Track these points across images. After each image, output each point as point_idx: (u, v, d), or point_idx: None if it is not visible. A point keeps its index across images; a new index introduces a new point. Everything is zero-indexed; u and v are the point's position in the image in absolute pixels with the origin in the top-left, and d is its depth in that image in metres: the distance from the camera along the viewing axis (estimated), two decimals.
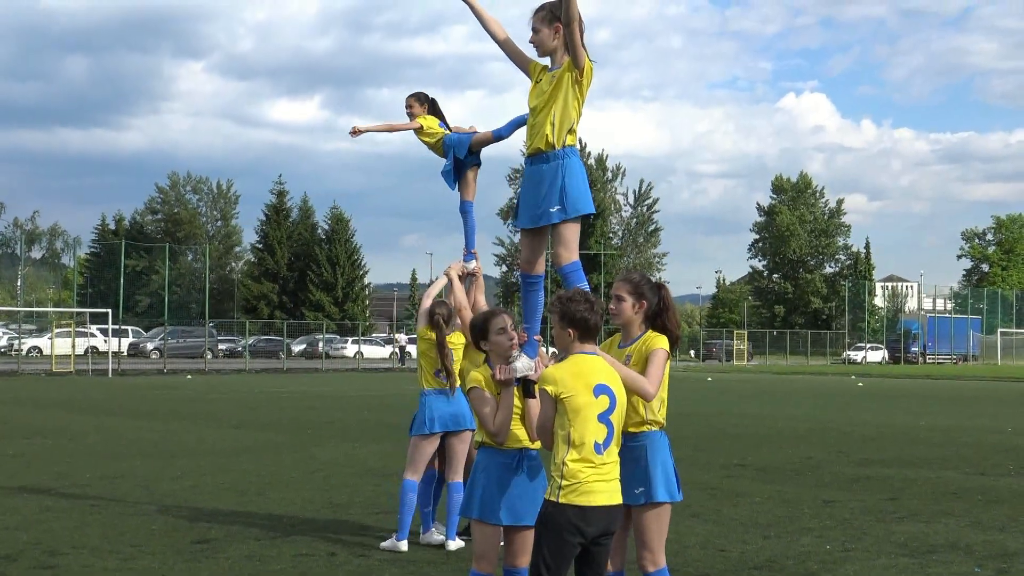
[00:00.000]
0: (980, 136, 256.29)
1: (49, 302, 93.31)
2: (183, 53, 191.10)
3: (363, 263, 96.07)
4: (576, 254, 6.22)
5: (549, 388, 5.21)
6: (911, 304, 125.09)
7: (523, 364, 5.78)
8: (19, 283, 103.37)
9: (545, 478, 5.83)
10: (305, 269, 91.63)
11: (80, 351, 53.65)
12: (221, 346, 69.86)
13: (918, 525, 10.28)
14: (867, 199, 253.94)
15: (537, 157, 6.27)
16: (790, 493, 12.29)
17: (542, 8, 6.33)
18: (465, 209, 8.96)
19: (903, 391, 40.30)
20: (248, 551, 8.80)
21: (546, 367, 5.58)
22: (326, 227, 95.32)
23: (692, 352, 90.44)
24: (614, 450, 5.27)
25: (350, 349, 72.94)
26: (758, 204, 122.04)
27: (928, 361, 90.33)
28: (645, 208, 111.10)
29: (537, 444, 5.82)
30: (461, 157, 8.80)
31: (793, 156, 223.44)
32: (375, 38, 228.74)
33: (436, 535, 9.19)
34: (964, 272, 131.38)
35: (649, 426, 5.86)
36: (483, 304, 8.41)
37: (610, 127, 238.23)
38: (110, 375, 47.23)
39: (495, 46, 6.65)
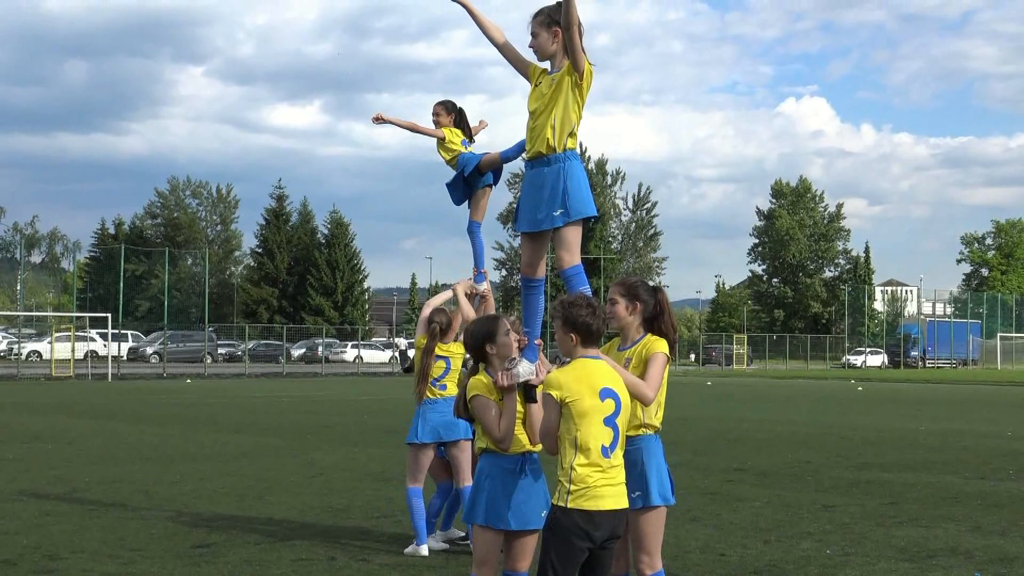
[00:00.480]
0: (980, 141, 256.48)
1: (49, 306, 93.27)
2: (183, 58, 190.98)
3: (363, 267, 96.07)
4: (578, 257, 6.21)
5: (554, 393, 5.20)
6: (911, 308, 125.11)
7: (525, 369, 5.76)
8: (19, 287, 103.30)
9: (545, 481, 5.83)
10: (305, 273, 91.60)
11: (80, 355, 53.64)
12: (221, 350, 69.78)
13: (918, 529, 10.27)
14: (867, 203, 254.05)
15: (538, 161, 6.27)
16: (790, 497, 12.29)
17: (540, 12, 6.35)
18: (472, 229, 8.79)
19: (903, 395, 40.30)
20: (248, 555, 8.80)
21: (548, 371, 5.58)
22: (326, 231, 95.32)
23: (692, 356, 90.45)
24: (619, 453, 5.28)
25: (350, 353, 72.92)
26: (758, 208, 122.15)
27: (928, 365, 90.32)
28: (644, 212, 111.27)
29: (538, 447, 5.81)
30: (466, 175, 8.64)
31: (793, 160, 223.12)
32: (375, 43, 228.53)
33: (434, 542, 9.17)
34: (964, 276, 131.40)
35: (645, 430, 5.88)
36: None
37: (610, 132, 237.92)
38: (110, 379, 47.22)
39: (495, 51, 6.66)
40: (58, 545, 9.14)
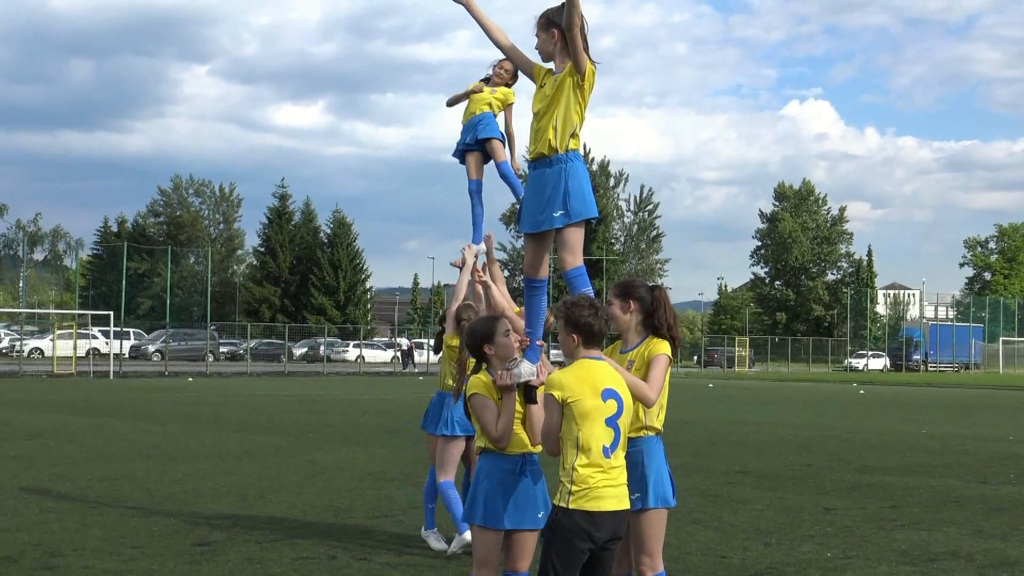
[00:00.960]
0: (983, 145, 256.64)
1: (51, 304, 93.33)
2: (188, 57, 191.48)
3: (365, 267, 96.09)
4: (580, 258, 6.21)
5: (556, 393, 5.20)
6: (913, 312, 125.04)
7: (525, 369, 5.76)
8: (21, 285, 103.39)
9: (545, 482, 5.83)
10: (307, 273, 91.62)
11: (82, 353, 53.69)
12: (222, 349, 69.79)
13: (919, 533, 10.27)
14: (870, 207, 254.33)
15: (540, 162, 6.27)
16: (791, 500, 12.29)
17: (542, 15, 6.37)
18: (470, 189, 8.99)
19: (904, 399, 40.28)
20: (249, 554, 8.80)
21: (549, 373, 5.58)
22: (328, 231, 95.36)
23: (694, 359, 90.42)
24: (621, 454, 5.28)
25: (351, 353, 72.94)
26: (760, 211, 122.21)
27: (930, 369, 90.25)
28: (647, 214, 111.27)
29: (538, 448, 5.81)
30: (467, 140, 8.80)
31: (796, 163, 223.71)
32: (379, 43, 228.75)
33: (436, 540, 9.17)
34: (966, 280, 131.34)
35: (646, 432, 5.88)
36: (503, 293, 8.06)
37: (613, 134, 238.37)
38: (111, 377, 47.24)
39: (499, 52, 6.68)
40: (59, 542, 9.14)
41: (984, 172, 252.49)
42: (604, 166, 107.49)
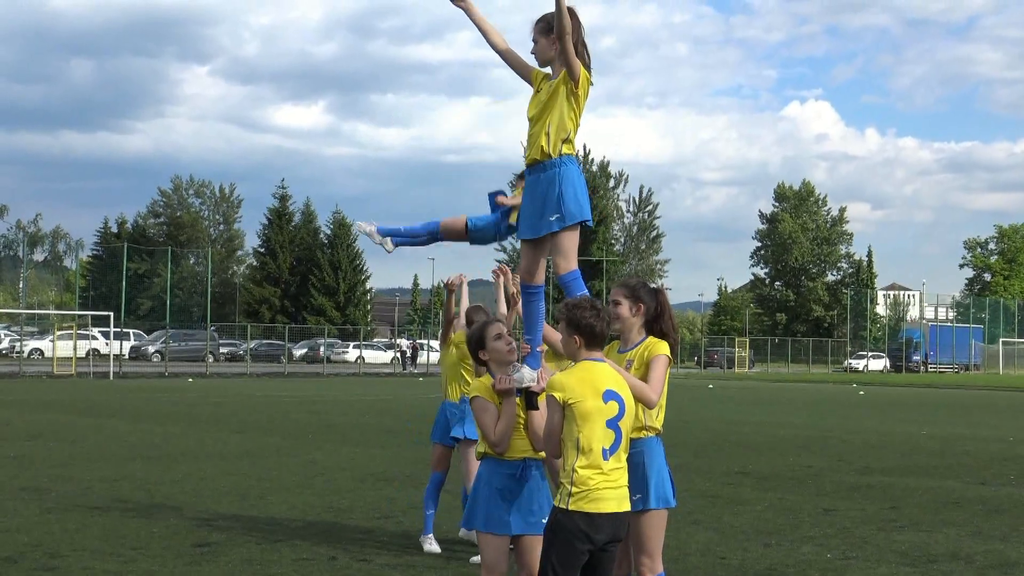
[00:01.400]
0: (984, 146, 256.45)
1: (51, 304, 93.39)
2: (188, 57, 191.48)
3: (365, 268, 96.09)
4: (575, 263, 6.19)
5: (557, 395, 5.21)
6: (913, 313, 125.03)
7: (525, 375, 5.75)
8: (21, 285, 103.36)
9: (548, 487, 5.82)
10: (307, 273, 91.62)
11: (82, 354, 53.69)
12: (222, 350, 69.79)
13: (919, 534, 10.27)
14: (870, 207, 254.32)
15: (535, 167, 6.27)
16: (791, 501, 12.29)
17: (541, 19, 6.35)
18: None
19: (904, 400, 40.29)
20: (248, 555, 8.81)
21: (549, 378, 5.57)
22: (328, 231, 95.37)
23: (694, 359, 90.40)
24: (622, 456, 5.28)
25: (352, 354, 72.96)
26: (760, 212, 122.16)
27: (930, 370, 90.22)
28: (647, 215, 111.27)
29: (540, 455, 5.81)
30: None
31: (797, 164, 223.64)
32: (380, 43, 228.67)
33: (434, 544, 9.17)
34: (966, 281, 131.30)
35: (647, 432, 5.88)
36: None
37: (614, 134, 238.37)
38: (111, 378, 47.24)
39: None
40: (59, 543, 9.15)
41: (984, 173, 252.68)
42: (604, 167, 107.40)
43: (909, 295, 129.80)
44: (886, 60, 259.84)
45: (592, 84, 6.32)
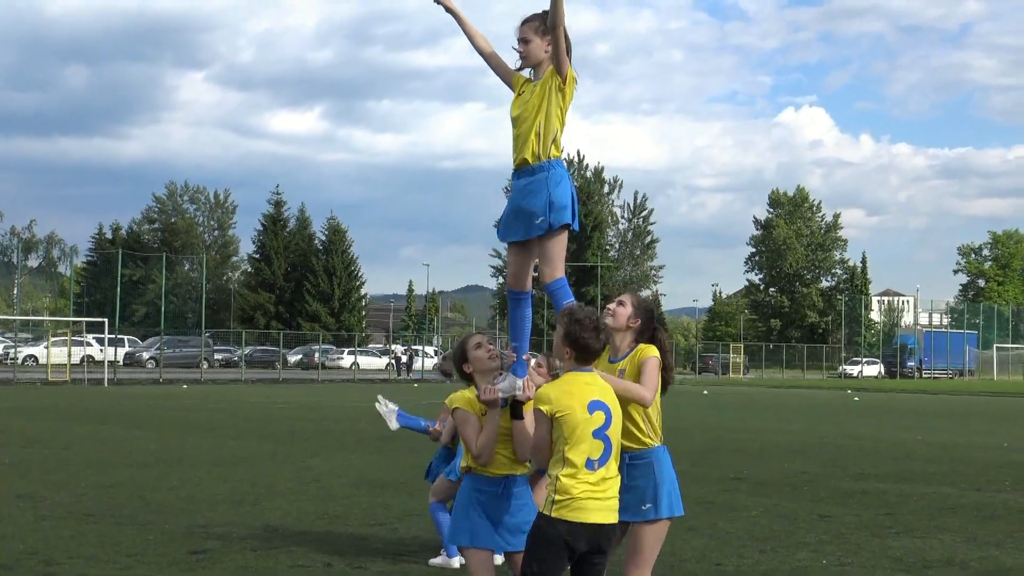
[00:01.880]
0: (978, 152, 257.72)
1: (45, 311, 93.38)
2: (184, 63, 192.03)
3: (360, 274, 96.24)
4: (561, 271, 6.13)
5: (544, 407, 5.20)
6: (907, 319, 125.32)
7: (508, 384, 5.70)
8: (16, 291, 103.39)
9: (533, 501, 5.80)
10: (302, 279, 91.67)
11: (76, 360, 53.57)
12: (217, 356, 69.77)
13: (914, 540, 10.28)
14: (865, 213, 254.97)
15: (523, 170, 6.18)
16: (786, 507, 12.30)
17: (535, 18, 6.25)
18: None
19: (899, 406, 40.32)
20: (244, 561, 8.80)
21: (537, 386, 5.55)
22: (323, 238, 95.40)
23: (689, 365, 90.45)
24: (613, 466, 5.26)
25: (346, 360, 72.91)
26: (755, 218, 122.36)
27: (924, 376, 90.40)
28: (641, 220, 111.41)
29: (524, 469, 5.79)
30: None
31: (791, 170, 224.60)
32: (376, 50, 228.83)
33: (456, 560, 9.08)
34: (960, 287, 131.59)
35: (652, 441, 5.88)
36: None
37: (609, 140, 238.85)
38: (106, 384, 47.14)
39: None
40: (54, 550, 9.13)
41: (978, 179, 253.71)
42: (599, 172, 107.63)
43: (903, 301, 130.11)
44: (880, 67, 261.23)
45: (577, 83, 6.28)
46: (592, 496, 5.14)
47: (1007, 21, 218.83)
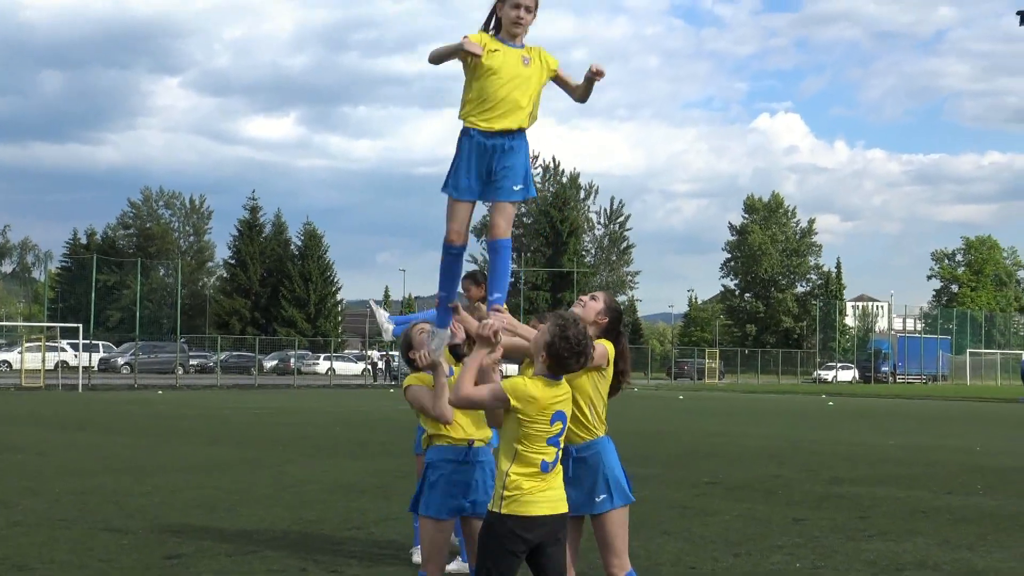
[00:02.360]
0: (952, 158, 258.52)
1: (19, 316, 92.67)
2: (160, 69, 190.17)
3: (336, 279, 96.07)
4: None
5: (513, 402, 5.21)
6: (881, 324, 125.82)
7: (438, 341, 5.90)
8: None
9: (495, 472, 5.86)
10: (278, 285, 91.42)
11: (50, 366, 53.30)
12: (192, 361, 69.56)
13: (887, 543, 10.34)
14: (839, 219, 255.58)
15: (514, 134, 6.03)
16: (761, 511, 12.34)
17: None
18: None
19: (873, 410, 40.50)
20: (219, 567, 8.78)
21: (479, 324, 5.53)
22: (299, 243, 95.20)
23: (664, 370, 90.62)
24: (559, 465, 5.34)
25: (322, 365, 72.78)
26: (730, 223, 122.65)
27: (898, 381, 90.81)
28: (618, 226, 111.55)
29: (486, 433, 6.00)
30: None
31: (767, 176, 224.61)
32: (352, 56, 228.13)
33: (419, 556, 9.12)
34: (934, 292, 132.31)
35: (598, 431, 5.96)
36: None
37: (585, 146, 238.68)
38: (80, 390, 46.92)
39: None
40: (28, 556, 9.09)
41: (952, 185, 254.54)
42: (574, 178, 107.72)
43: (877, 306, 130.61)
44: (855, 73, 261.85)
45: None
46: (542, 490, 5.18)
47: (980, 27, 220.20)
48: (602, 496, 5.84)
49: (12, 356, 61.96)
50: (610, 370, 6.05)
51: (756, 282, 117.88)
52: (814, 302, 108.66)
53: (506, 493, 5.16)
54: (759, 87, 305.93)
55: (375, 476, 15.13)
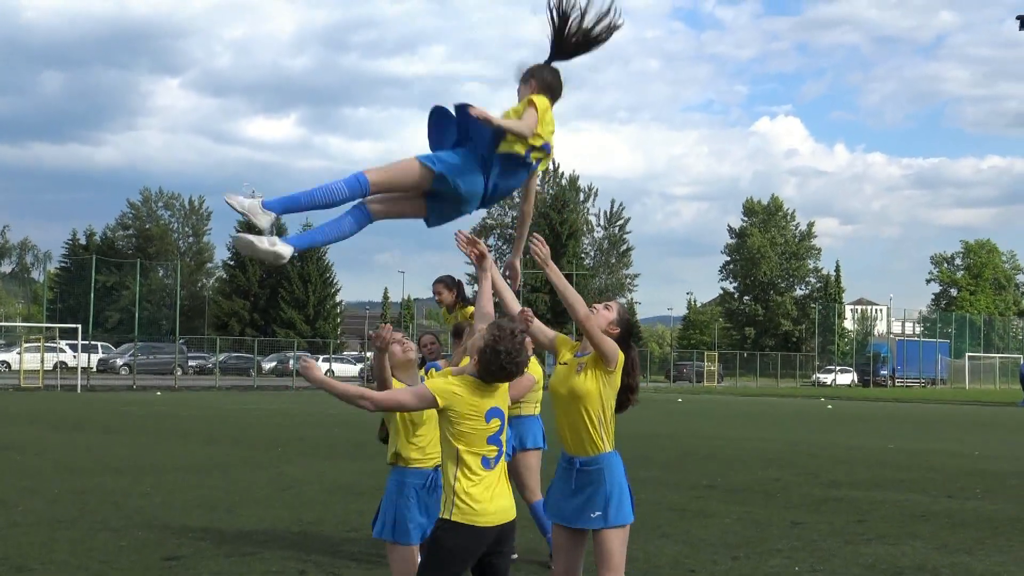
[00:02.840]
0: (951, 162, 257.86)
1: (18, 317, 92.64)
2: (160, 69, 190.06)
3: (335, 281, 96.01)
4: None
5: (439, 399, 5.21)
6: (880, 327, 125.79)
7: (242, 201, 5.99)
8: None
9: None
10: (276, 286, 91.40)
11: (49, 366, 53.26)
12: (191, 363, 69.49)
13: (886, 547, 10.35)
14: (839, 222, 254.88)
15: (515, 157, 6.02)
16: (759, 514, 12.35)
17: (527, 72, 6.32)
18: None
19: (872, 414, 40.51)
20: (218, 568, 8.79)
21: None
22: None
23: (663, 373, 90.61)
24: (503, 462, 5.33)
25: (321, 367, 72.46)
26: (729, 226, 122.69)
27: (897, 384, 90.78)
28: (617, 229, 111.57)
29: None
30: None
31: (766, 179, 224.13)
32: (352, 57, 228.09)
33: None
34: (933, 296, 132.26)
35: (604, 447, 5.85)
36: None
37: (585, 148, 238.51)
38: (79, 391, 46.90)
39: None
40: (27, 556, 9.10)
41: (952, 189, 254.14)
42: (574, 181, 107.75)
43: (877, 310, 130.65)
44: (855, 77, 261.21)
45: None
46: (489, 497, 5.18)
47: (980, 32, 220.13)
48: (597, 513, 5.75)
49: (11, 357, 61.89)
50: (617, 376, 5.91)
51: (755, 285, 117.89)
52: (813, 305, 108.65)
53: (457, 501, 5.16)
54: (759, 90, 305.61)
55: (373, 477, 15.12)
